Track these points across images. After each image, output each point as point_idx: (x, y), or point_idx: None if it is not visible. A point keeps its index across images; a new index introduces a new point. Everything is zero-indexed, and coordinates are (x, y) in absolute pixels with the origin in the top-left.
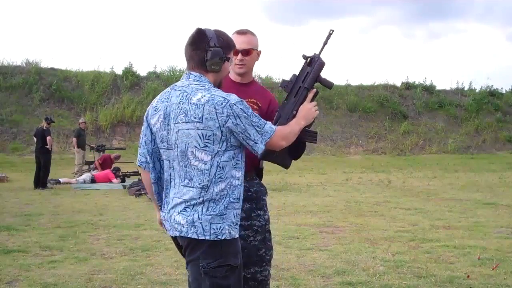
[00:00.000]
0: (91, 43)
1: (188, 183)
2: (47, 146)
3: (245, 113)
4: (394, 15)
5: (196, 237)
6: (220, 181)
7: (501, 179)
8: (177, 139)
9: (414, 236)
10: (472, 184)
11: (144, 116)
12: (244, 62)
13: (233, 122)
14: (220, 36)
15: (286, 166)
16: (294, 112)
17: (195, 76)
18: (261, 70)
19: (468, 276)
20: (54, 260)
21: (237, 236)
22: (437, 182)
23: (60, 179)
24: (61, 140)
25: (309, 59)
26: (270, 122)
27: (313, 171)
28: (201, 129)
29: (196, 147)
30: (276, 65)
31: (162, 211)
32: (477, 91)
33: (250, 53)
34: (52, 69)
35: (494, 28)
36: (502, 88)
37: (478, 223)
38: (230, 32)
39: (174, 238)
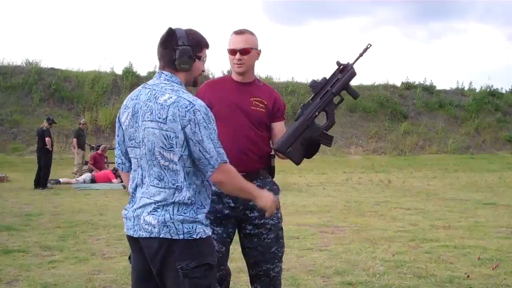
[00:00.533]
0: (91, 43)
1: (158, 184)
2: (47, 147)
3: (206, 123)
4: (394, 15)
5: (169, 237)
6: (189, 185)
7: (501, 179)
8: (144, 137)
9: (414, 236)
10: (472, 184)
11: (117, 117)
12: (243, 62)
13: (191, 129)
14: (190, 34)
15: (297, 162)
16: (316, 113)
17: (166, 75)
18: (261, 70)
19: (468, 276)
20: (54, 260)
21: (210, 233)
22: (437, 182)
23: (60, 179)
24: (61, 140)
25: (342, 66)
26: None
27: (313, 171)
28: (165, 130)
29: (162, 147)
30: (276, 65)
31: (126, 209)
32: (477, 91)
33: (248, 52)
34: (52, 69)
35: (495, 28)
36: (502, 88)
37: (478, 223)
38: (230, 32)
39: (132, 239)
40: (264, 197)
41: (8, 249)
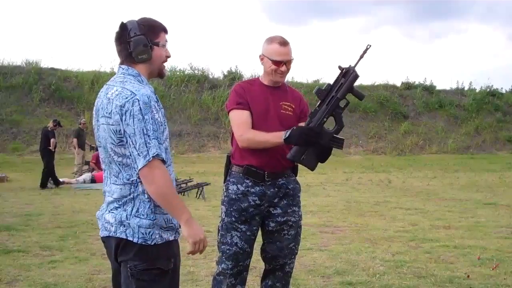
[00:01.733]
0: (91, 43)
1: (116, 181)
2: (50, 147)
3: (143, 114)
4: (395, 15)
5: (125, 237)
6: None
7: (501, 179)
8: (100, 135)
9: (414, 236)
10: (472, 184)
11: None
12: (286, 72)
13: (125, 120)
14: (142, 23)
15: (312, 168)
16: (325, 119)
17: (123, 69)
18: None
19: (468, 276)
20: (54, 260)
21: (171, 238)
22: (437, 182)
23: (60, 179)
24: (61, 140)
25: (344, 70)
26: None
27: (313, 171)
28: (111, 125)
29: (112, 143)
30: None
31: (99, 209)
32: (477, 91)
33: (291, 62)
34: (52, 69)
35: (495, 28)
36: (502, 88)
37: (478, 223)
38: (231, 32)
39: (104, 239)
40: (194, 229)
41: (8, 249)
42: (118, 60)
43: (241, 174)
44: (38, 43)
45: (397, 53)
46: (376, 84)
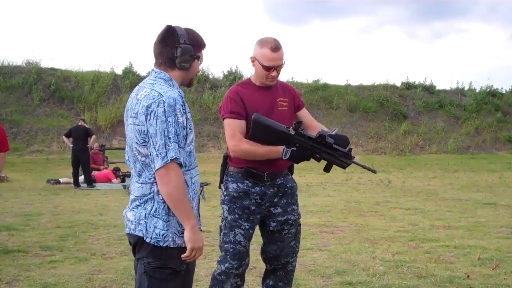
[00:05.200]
0: (91, 43)
1: (138, 180)
2: (88, 145)
3: (166, 116)
4: (396, 15)
5: (142, 235)
6: None
7: (501, 179)
8: (128, 135)
9: (414, 236)
10: (472, 184)
11: None
12: (277, 76)
13: (149, 121)
14: (191, 34)
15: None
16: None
17: (156, 72)
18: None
19: (468, 276)
20: (54, 260)
21: (184, 245)
22: (437, 182)
23: (60, 179)
24: (61, 140)
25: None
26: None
27: (313, 171)
28: (137, 125)
29: (137, 143)
30: None
31: (126, 207)
32: (477, 91)
33: (282, 66)
34: (52, 69)
35: (497, 28)
36: (502, 88)
37: (478, 223)
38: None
39: (128, 236)
40: (196, 236)
41: (8, 249)
42: (118, 60)
43: (240, 175)
44: (38, 43)
45: (398, 53)
46: (376, 84)
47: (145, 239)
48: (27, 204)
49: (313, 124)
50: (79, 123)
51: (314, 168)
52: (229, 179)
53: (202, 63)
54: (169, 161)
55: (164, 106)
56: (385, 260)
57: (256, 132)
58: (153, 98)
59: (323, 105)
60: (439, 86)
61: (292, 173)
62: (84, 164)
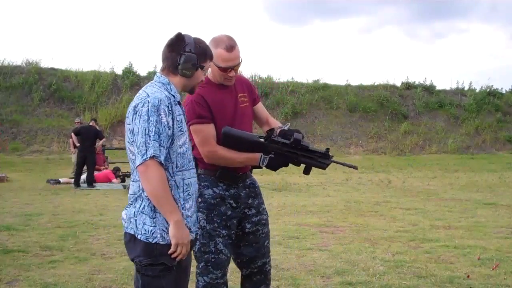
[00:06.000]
0: (91, 43)
1: (132, 178)
2: (95, 146)
3: (149, 115)
4: (397, 14)
5: (133, 233)
6: None
7: (501, 179)
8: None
9: (414, 236)
10: (472, 184)
11: None
12: (235, 76)
13: (133, 119)
14: (198, 43)
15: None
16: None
17: (157, 77)
18: (261, 70)
19: (468, 276)
20: (54, 260)
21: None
22: (437, 182)
23: (60, 179)
24: (61, 140)
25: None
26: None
27: (313, 171)
28: (128, 124)
29: (128, 142)
30: (277, 65)
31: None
32: (477, 91)
33: (239, 65)
34: (52, 69)
35: (497, 28)
36: (502, 88)
37: (478, 223)
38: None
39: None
40: (180, 232)
41: (8, 249)
42: (118, 60)
43: (213, 177)
44: (38, 43)
45: (398, 53)
46: (376, 84)
47: (136, 236)
48: (27, 204)
49: (269, 120)
50: (90, 123)
51: (314, 168)
52: (202, 183)
53: (206, 73)
54: (148, 158)
55: (148, 106)
56: (385, 260)
57: (229, 145)
58: (141, 99)
59: (323, 105)
60: (439, 86)
61: (251, 171)
62: (90, 164)
